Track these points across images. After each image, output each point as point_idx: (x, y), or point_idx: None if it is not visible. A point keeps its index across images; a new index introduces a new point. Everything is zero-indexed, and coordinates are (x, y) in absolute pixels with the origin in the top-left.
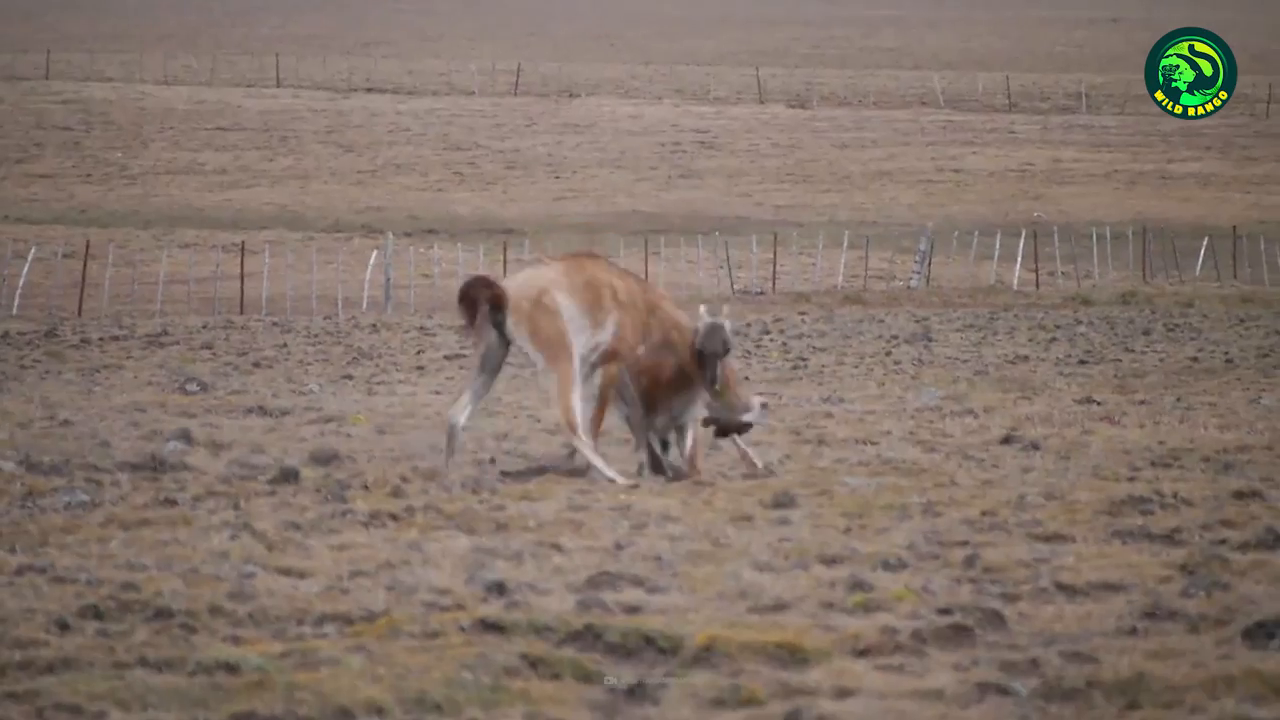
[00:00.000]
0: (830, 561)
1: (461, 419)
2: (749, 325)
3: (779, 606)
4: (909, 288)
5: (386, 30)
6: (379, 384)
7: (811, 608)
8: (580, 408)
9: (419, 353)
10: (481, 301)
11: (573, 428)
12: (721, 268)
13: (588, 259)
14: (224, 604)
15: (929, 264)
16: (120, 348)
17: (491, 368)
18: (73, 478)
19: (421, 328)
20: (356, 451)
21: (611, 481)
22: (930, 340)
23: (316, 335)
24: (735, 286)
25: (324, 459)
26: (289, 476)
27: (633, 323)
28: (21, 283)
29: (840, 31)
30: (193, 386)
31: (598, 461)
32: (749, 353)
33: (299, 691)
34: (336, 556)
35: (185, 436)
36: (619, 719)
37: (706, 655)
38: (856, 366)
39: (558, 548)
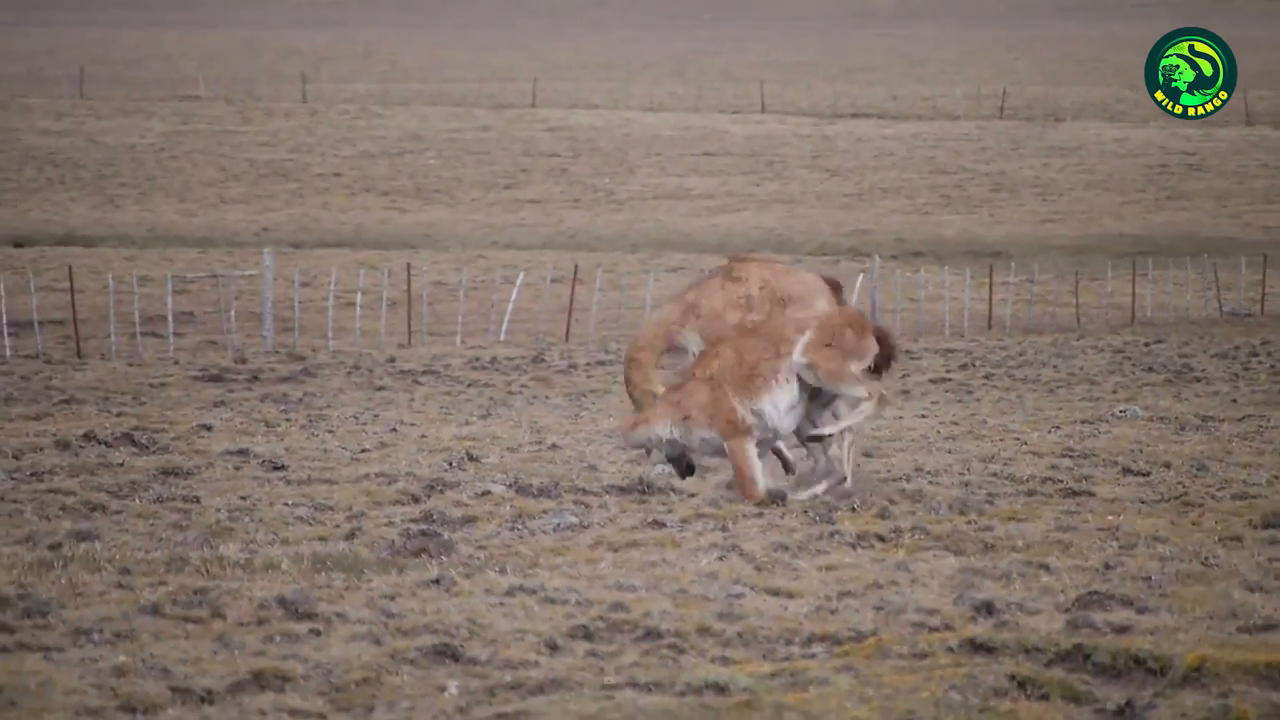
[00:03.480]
0: None
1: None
2: (1237, 348)
3: (1269, 626)
4: None
5: (870, 56)
6: None
7: None
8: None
9: (904, 376)
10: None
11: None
12: (1209, 290)
13: (728, 280)
14: (712, 624)
15: None
16: (607, 372)
17: None
18: (562, 500)
19: (908, 351)
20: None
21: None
22: None
23: None
24: (1224, 308)
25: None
26: (777, 499)
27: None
28: (510, 308)
29: None
30: None
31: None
32: (1237, 375)
33: (787, 712)
34: (824, 577)
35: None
36: None
37: (1196, 675)
38: None
39: (1045, 568)
